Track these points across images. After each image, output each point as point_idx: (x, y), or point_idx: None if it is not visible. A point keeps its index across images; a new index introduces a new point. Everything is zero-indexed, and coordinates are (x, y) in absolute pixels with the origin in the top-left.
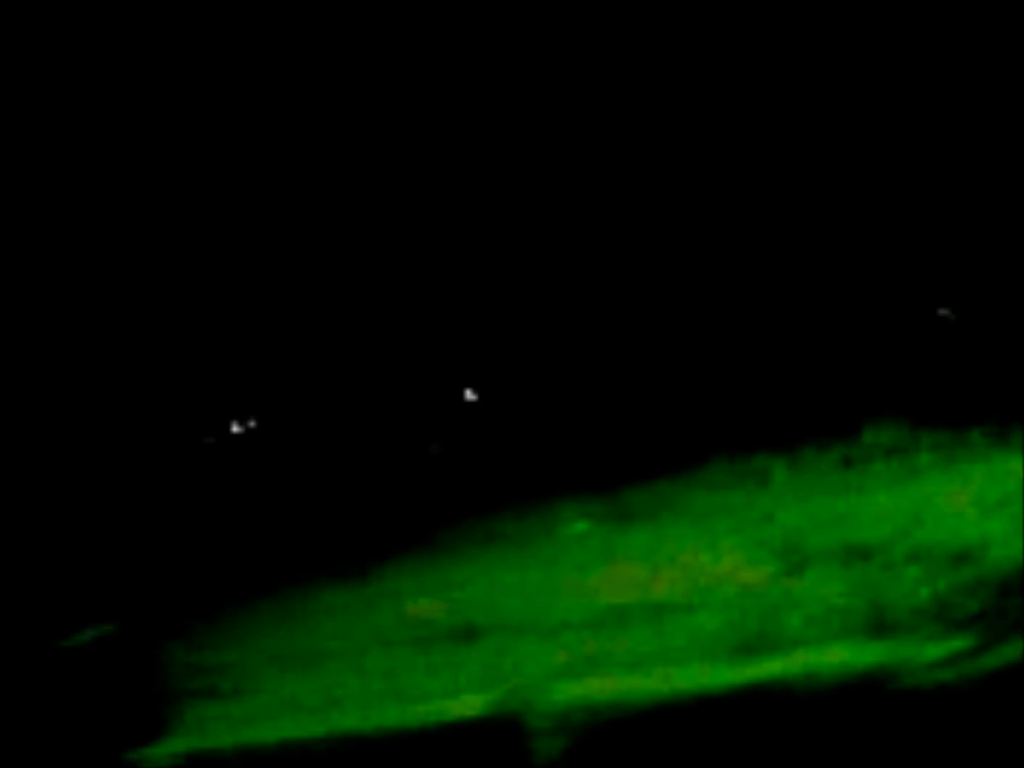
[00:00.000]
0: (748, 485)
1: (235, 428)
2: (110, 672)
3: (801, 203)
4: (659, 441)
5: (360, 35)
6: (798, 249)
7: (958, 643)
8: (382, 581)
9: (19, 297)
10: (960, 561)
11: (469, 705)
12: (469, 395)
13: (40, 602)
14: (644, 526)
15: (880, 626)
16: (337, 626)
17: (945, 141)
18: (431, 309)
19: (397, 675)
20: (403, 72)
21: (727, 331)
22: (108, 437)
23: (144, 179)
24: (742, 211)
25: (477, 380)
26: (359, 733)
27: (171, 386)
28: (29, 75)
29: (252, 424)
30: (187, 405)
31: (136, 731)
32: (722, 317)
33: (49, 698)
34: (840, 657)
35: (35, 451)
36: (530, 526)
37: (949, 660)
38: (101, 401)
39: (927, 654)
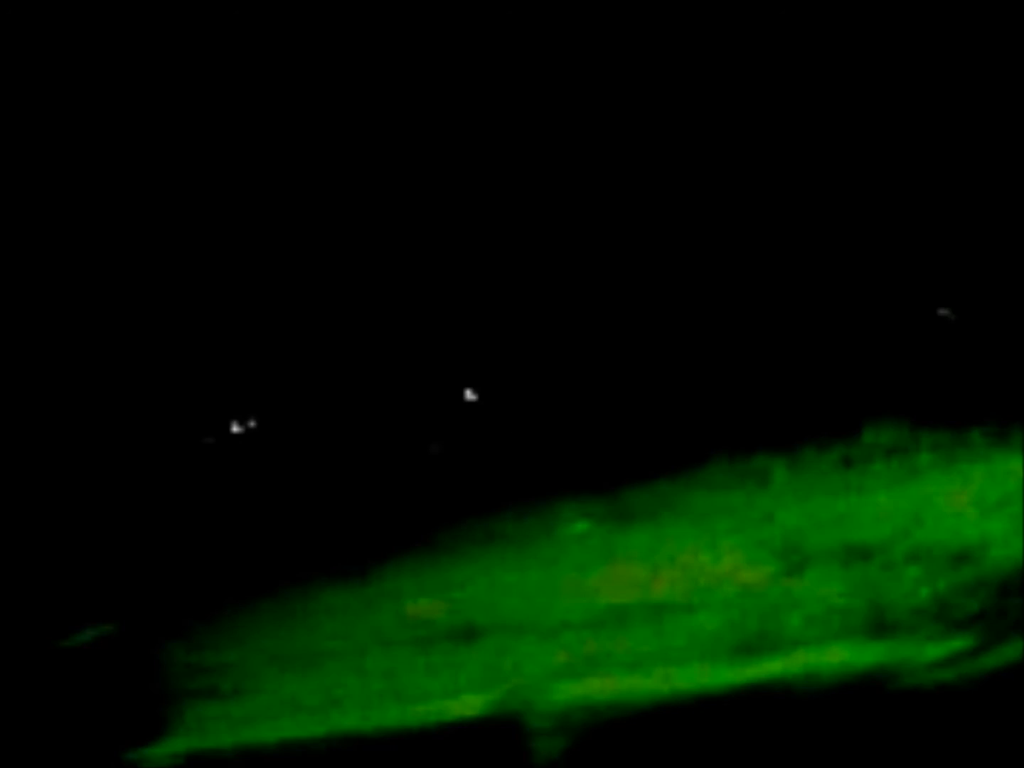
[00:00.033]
0: (748, 485)
1: (235, 428)
2: (110, 672)
3: (801, 203)
4: (659, 441)
5: (360, 35)
6: (798, 249)
7: (958, 643)
8: (382, 581)
9: (19, 297)
10: (960, 561)
11: (469, 705)
12: (469, 395)
13: (40, 602)
14: (644, 526)
15: (880, 626)
16: (337, 626)
17: (945, 141)
18: (431, 309)
19: (397, 675)
20: (403, 72)
21: (727, 331)
22: (108, 437)
23: (144, 179)
24: (742, 211)
25: (477, 380)
26: (359, 733)
27: (171, 386)
28: (29, 75)
29: (252, 424)
30: (187, 405)
31: (136, 731)
32: (722, 317)
33: (49, 698)
34: (840, 657)
35: (35, 451)
36: (530, 526)
37: (949, 660)
38: (101, 401)
39: (927, 654)
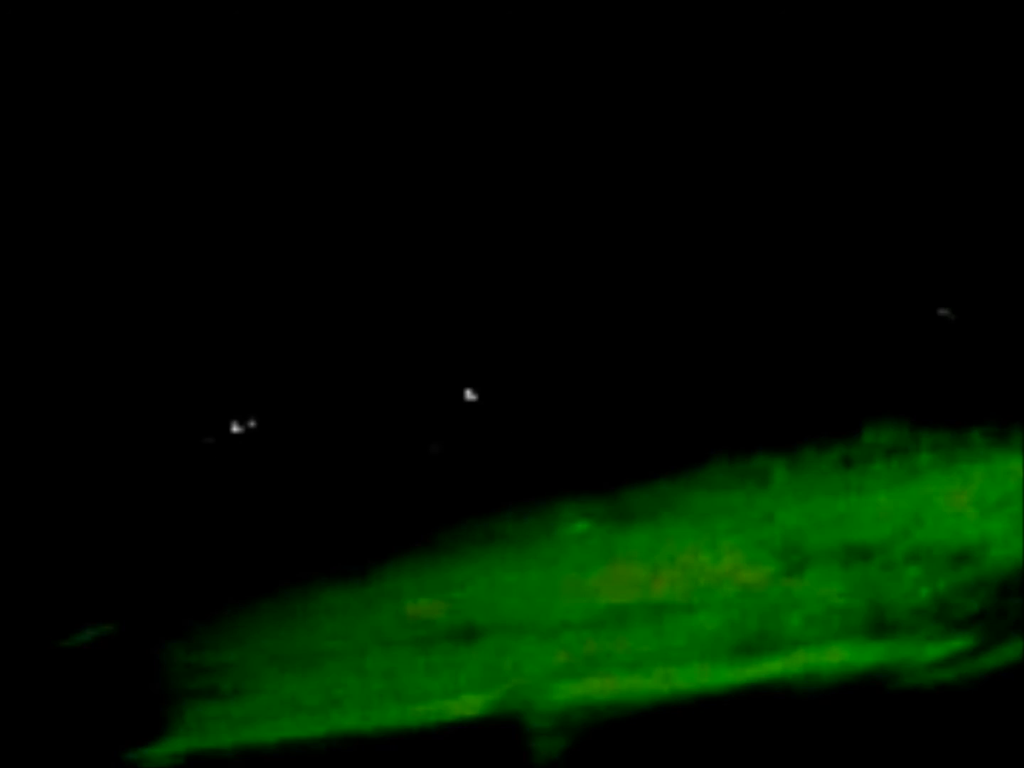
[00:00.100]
0: (748, 485)
1: (235, 428)
2: (110, 672)
3: (801, 203)
4: (659, 441)
5: (360, 35)
6: (798, 249)
7: (958, 643)
8: (382, 581)
9: (19, 297)
10: (960, 561)
11: (469, 705)
12: (469, 395)
13: (40, 602)
14: (644, 526)
15: (880, 626)
16: (337, 626)
17: (945, 141)
18: (431, 309)
19: (397, 675)
20: (403, 72)
21: (727, 331)
22: (108, 437)
23: (144, 179)
24: (742, 211)
25: (477, 380)
26: (359, 733)
27: (171, 386)
28: (29, 75)
29: (252, 424)
30: (187, 405)
31: (136, 731)
32: (722, 317)
33: (49, 698)
34: (840, 657)
35: (35, 451)
36: (530, 526)
37: (949, 660)
38: (101, 401)
39: (927, 654)
